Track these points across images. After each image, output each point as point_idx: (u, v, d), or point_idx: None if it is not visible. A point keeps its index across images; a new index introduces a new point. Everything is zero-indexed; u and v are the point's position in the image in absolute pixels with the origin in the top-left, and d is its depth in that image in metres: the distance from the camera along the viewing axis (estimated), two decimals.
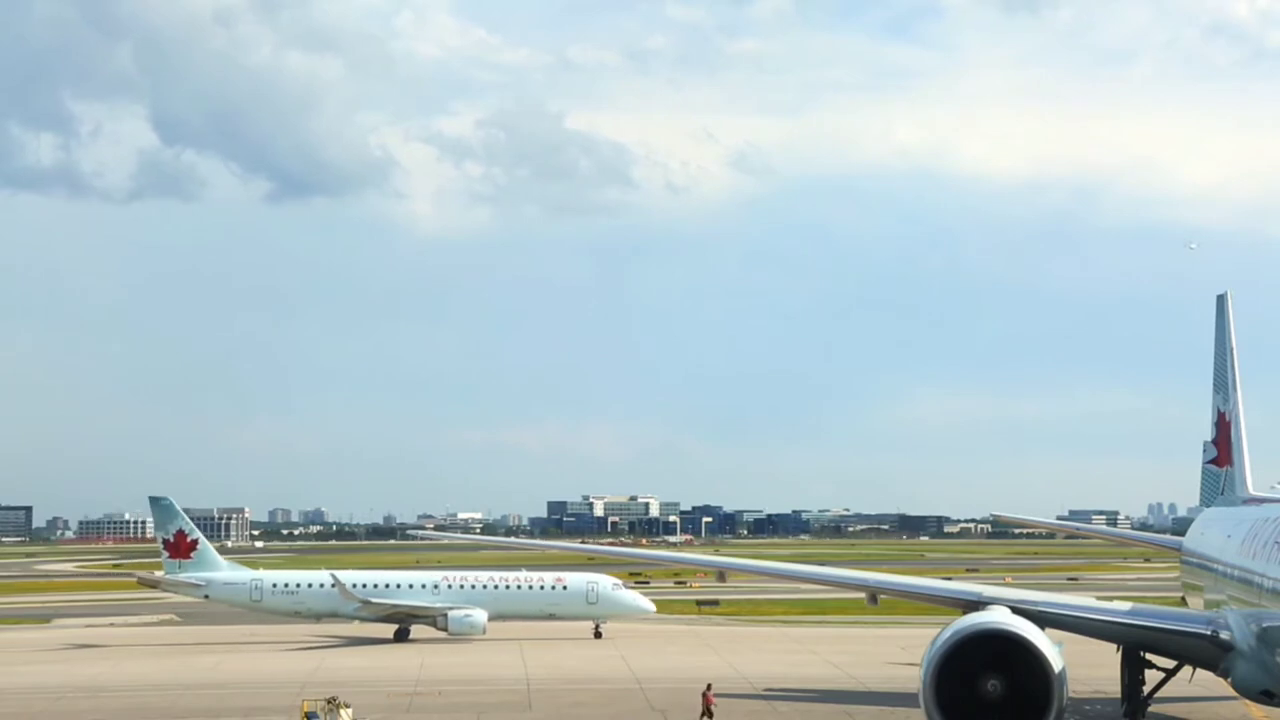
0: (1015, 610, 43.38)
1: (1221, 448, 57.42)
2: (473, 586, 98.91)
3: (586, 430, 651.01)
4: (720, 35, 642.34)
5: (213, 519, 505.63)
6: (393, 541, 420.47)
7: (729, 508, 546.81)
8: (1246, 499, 53.65)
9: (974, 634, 39.92)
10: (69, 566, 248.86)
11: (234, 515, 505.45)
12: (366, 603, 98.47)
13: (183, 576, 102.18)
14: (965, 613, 44.65)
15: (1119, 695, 52.49)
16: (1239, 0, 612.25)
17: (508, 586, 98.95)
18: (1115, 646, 50.37)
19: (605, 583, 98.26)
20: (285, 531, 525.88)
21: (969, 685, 38.99)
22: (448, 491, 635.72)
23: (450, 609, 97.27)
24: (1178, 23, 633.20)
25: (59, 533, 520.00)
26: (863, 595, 61.85)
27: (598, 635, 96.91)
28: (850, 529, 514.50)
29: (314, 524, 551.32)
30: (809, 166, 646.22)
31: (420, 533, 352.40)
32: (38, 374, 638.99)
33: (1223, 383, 57.48)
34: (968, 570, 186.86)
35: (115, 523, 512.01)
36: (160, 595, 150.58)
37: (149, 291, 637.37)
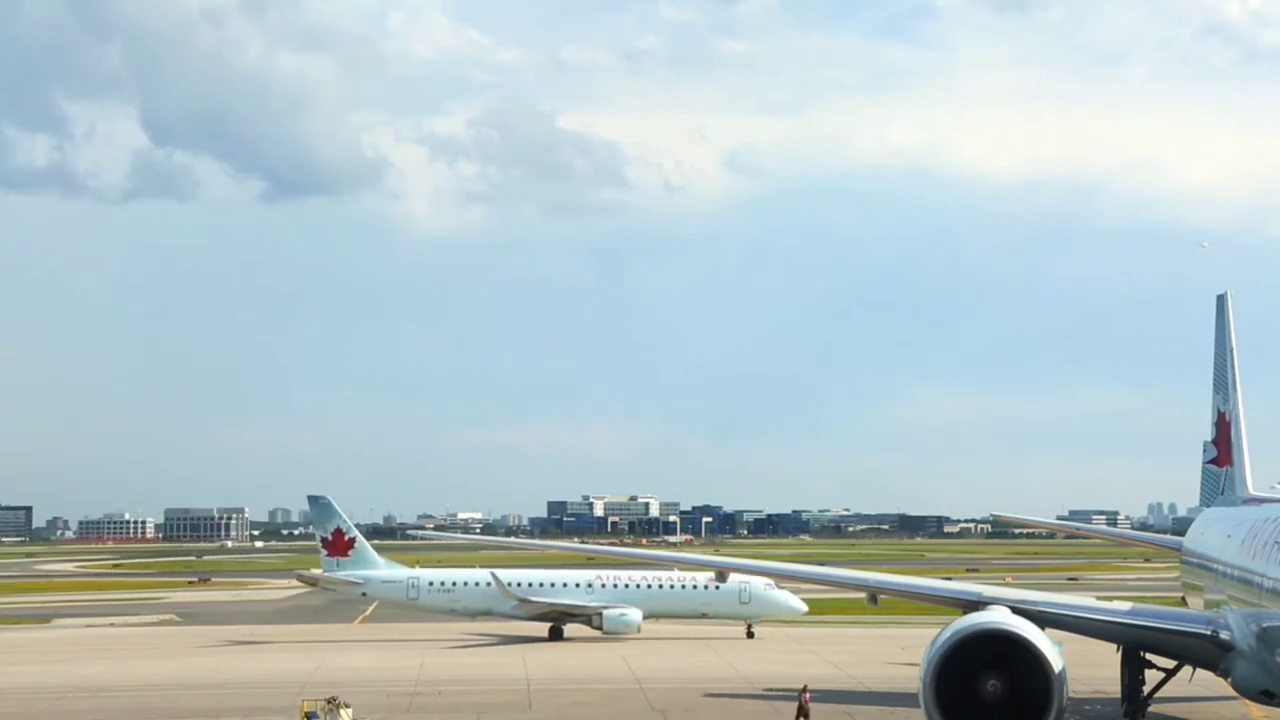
0: (1015, 610, 43.37)
1: (1221, 448, 57.41)
2: (626, 585, 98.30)
3: (586, 430, 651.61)
4: (714, 35, 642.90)
5: (213, 519, 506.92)
6: (393, 541, 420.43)
7: (729, 508, 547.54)
8: (1246, 499, 53.64)
9: (974, 634, 39.92)
10: (69, 566, 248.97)
11: (234, 515, 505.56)
12: (524, 601, 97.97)
13: (340, 574, 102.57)
14: (965, 613, 44.64)
15: (1119, 695, 52.50)
16: (1231, 1, 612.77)
17: (661, 586, 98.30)
18: (1115, 646, 50.37)
19: (758, 583, 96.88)
20: (285, 531, 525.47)
21: (969, 685, 38.98)
22: (448, 491, 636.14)
23: (605, 608, 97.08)
24: (1171, 23, 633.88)
25: (59, 533, 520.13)
26: (863, 595, 61.97)
27: (750, 635, 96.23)
28: (850, 529, 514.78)
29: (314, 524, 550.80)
30: (807, 166, 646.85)
31: (420, 533, 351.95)
32: (38, 374, 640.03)
33: (1223, 383, 57.48)
34: (968, 570, 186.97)
35: (115, 523, 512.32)
36: (160, 595, 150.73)
37: (148, 291, 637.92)
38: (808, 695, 58.51)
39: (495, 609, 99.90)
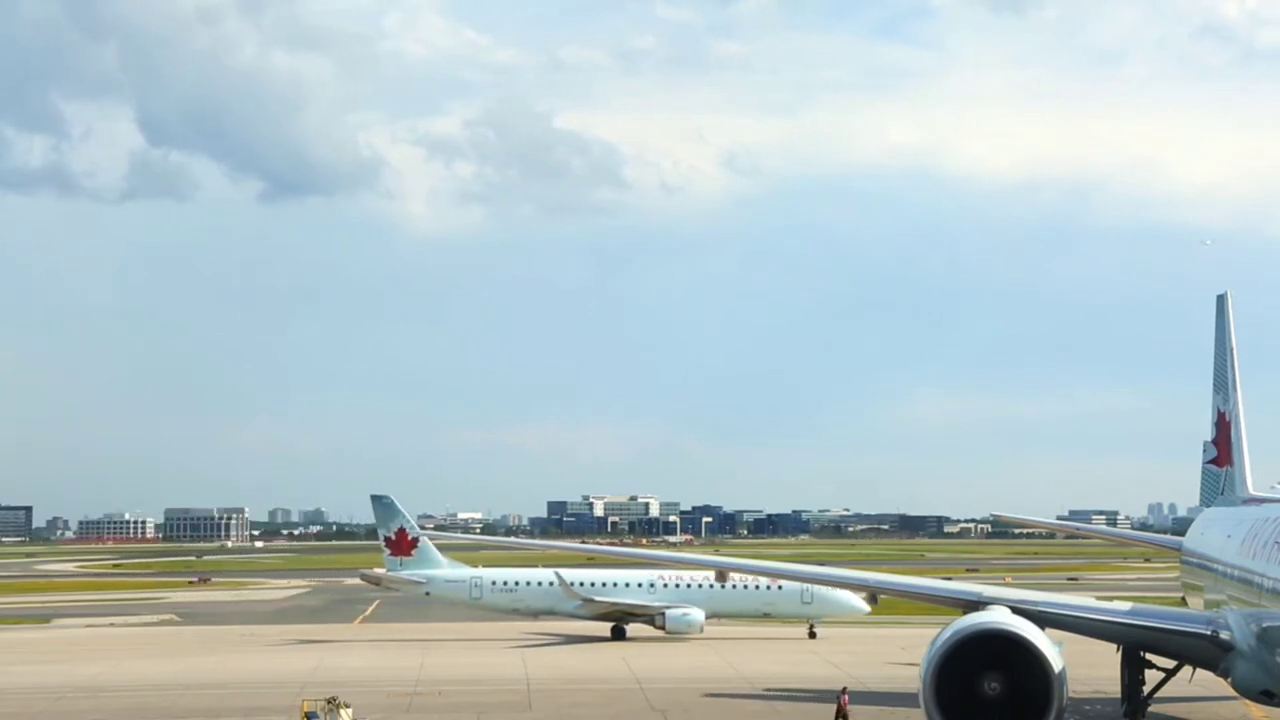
0: (1015, 610, 43.35)
1: (1221, 448, 57.39)
2: (689, 585, 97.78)
3: (586, 430, 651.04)
4: (711, 35, 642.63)
5: (213, 519, 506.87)
6: None
7: (729, 508, 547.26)
8: (1246, 499, 53.62)
9: (974, 634, 39.92)
10: (69, 566, 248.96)
11: (234, 515, 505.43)
12: (588, 601, 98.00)
13: (404, 574, 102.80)
14: (965, 613, 44.65)
15: (1119, 695, 52.47)
16: (1229, 1, 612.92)
17: (724, 585, 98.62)
18: (1115, 646, 50.36)
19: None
20: (285, 531, 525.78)
21: (969, 685, 38.98)
22: (448, 491, 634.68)
23: (668, 608, 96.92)
24: (1169, 23, 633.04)
25: (59, 533, 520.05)
26: (863, 595, 62.09)
27: (812, 635, 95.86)
28: (850, 529, 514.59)
29: (314, 524, 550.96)
30: (805, 166, 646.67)
31: (420, 533, 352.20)
32: (38, 374, 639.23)
33: (1223, 383, 57.46)
34: (968, 570, 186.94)
35: (115, 523, 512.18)
36: (160, 595, 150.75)
37: (148, 291, 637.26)
38: (846, 697, 58.00)
39: (558, 609, 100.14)
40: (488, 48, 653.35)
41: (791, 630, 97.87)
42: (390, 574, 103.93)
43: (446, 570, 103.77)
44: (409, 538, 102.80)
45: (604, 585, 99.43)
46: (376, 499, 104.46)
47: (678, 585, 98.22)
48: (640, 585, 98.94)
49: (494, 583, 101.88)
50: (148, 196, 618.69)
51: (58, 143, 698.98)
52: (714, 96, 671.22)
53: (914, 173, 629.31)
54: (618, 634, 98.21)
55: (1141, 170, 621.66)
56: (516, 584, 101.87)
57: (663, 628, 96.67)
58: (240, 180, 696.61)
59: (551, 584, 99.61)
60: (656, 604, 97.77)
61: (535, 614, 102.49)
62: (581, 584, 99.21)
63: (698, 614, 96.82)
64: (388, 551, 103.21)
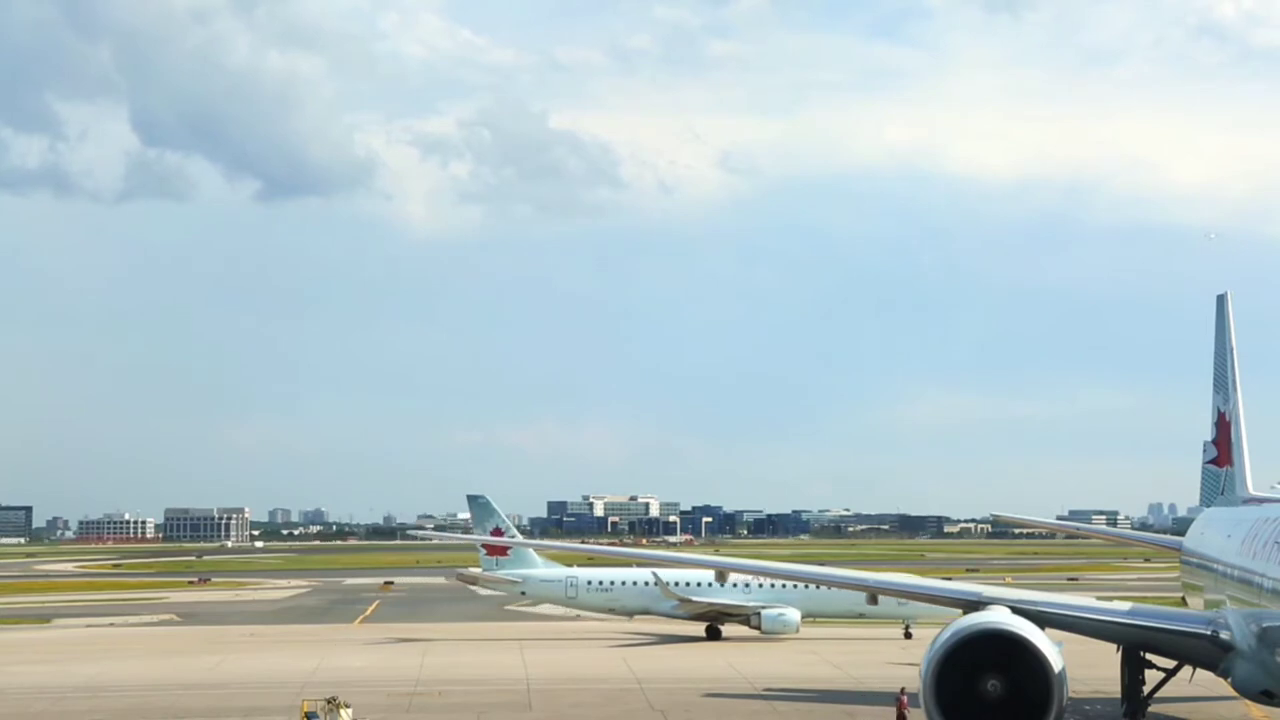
0: (1015, 610, 43.36)
1: (1221, 448, 57.36)
2: (785, 585, 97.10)
3: (586, 430, 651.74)
4: (706, 35, 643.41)
5: (213, 519, 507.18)
6: (393, 541, 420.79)
7: (729, 508, 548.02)
8: (1246, 499, 53.58)
9: (974, 634, 39.93)
10: (69, 566, 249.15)
11: (234, 515, 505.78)
12: (684, 601, 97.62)
13: (500, 574, 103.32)
14: (965, 613, 44.67)
15: (1119, 695, 52.45)
16: (1224, 1, 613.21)
17: (819, 585, 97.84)
18: (1115, 646, 50.36)
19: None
20: (285, 531, 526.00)
21: (969, 685, 38.99)
22: (448, 491, 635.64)
23: (764, 608, 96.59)
24: (1164, 23, 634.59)
25: (59, 533, 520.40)
26: (863, 595, 61.94)
27: (908, 635, 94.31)
28: (850, 529, 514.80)
29: (314, 524, 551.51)
30: (801, 166, 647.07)
31: (420, 533, 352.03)
32: (38, 374, 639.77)
33: (1223, 383, 57.44)
34: (968, 570, 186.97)
35: (115, 523, 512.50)
36: (160, 595, 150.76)
37: (148, 291, 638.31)
38: (905, 698, 56.20)
39: (653, 608, 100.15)
40: (484, 48, 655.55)
41: (886, 631, 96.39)
42: (486, 574, 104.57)
43: (542, 570, 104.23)
44: (505, 537, 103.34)
45: (700, 585, 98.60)
46: (473, 499, 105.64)
47: (774, 585, 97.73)
48: (736, 585, 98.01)
49: (589, 582, 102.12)
50: (145, 197, 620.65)
51: (54, 143, 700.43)
52: (710, 96, 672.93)
53: (910, 173, 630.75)
54: (712, 634, 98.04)
55: (1138, 170, 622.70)
56: (612, 584, 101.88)
57: (758, 628, 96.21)
58: (237, 181, 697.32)
59: (647, 584, 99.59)
60: (752, 604, 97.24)
61: (630, 614, 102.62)
62: (677, 584, 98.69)
63: (793, 614, 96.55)
64: (483, 551, 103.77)
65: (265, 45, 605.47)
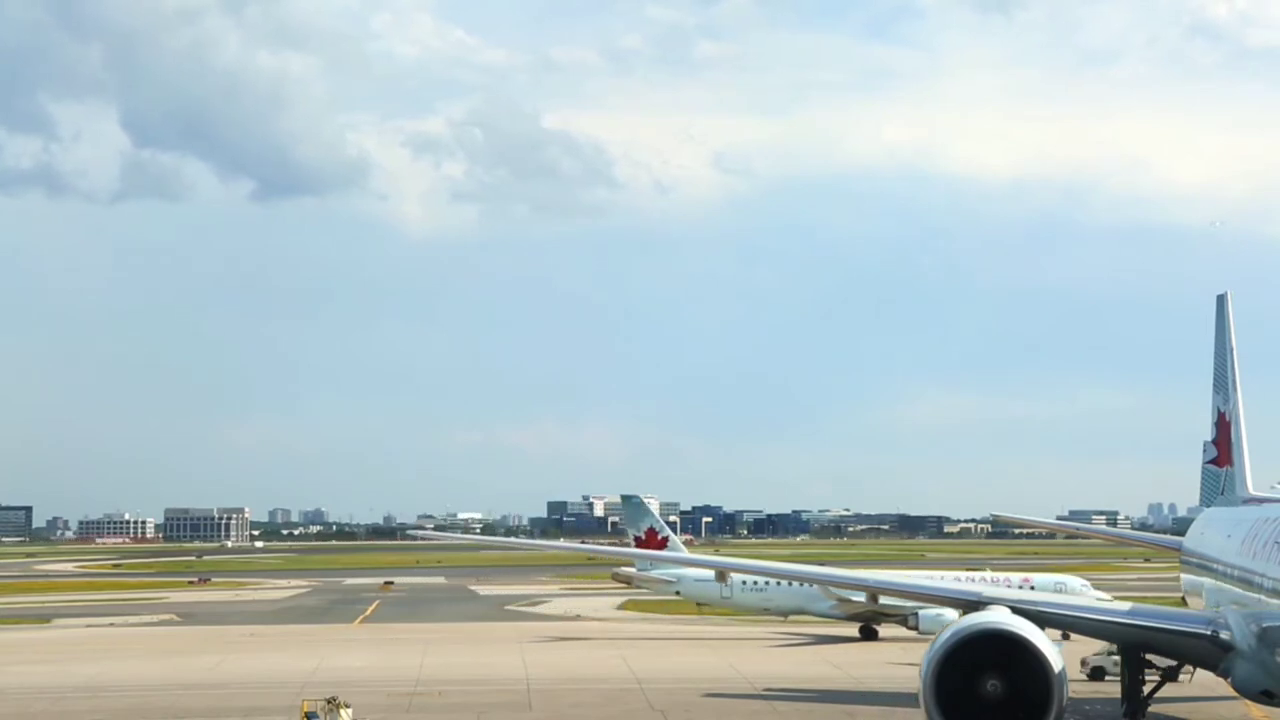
0: (1015, 610, 43.41)
1: (1221, 448, 57.39)
2: None
3: (586, 430, 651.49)
4: (701, 35, 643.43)
5: (213, 519, 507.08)
6: (393, 541, 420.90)
7: (729, 508, 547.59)
8: (1246, 499, 53.63)
9: (974, 634, 39.97)
10: (69, 566, 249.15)
11: (234, 515, 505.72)
12: (843, 601, 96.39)
13: (655, 573, 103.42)
14: (965, 613, 44.67)
15: (1119, 695, 52.50)
16: (1219, 1, 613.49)
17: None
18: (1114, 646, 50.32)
19: (1074, 583, 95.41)
20: (285, 531, 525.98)
21: (969, 685, 39.00)
22: (448, 491, 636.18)
23: (921, 608, 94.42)
24: (1159, 23, 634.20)
25: (59, 533, 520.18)
26: (863, 595, 61.99)
27: (1066, 637, 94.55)
28: (850, 529, 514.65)
29: (314, 524, 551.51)
30: (797, 166, 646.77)
31: (420, 533, 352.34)
32: (37, 374, 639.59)
33: (1223, 383, 57.46)
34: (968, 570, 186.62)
35: (115, 523, 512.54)
36: (160, 595, 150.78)
37: (147, 291, 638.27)
38: None
39: (808, 608, 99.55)
40: (477, 48, 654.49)
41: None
42: (641, 573, 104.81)
43: (697, 569, 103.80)
44: (659, 537, 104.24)
45: None
46: (627, 499, 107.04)
47: None
48: None
49: (744, 582, 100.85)
50: (140, 197, 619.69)
51: (48, 144, 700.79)
52: (705, 96, 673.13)
53: (909, 173, 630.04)
54: (867, 634, 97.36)
55: (1136, 170, 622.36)
56: (767, 584, 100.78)
57: (915, 628, 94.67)
58: (231, 181, 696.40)
59: (804, 584, 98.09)
60: (909, 604, 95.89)
61: (785, 614, 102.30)
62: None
63: (951, 614, 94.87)
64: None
65: (257, 45, 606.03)
